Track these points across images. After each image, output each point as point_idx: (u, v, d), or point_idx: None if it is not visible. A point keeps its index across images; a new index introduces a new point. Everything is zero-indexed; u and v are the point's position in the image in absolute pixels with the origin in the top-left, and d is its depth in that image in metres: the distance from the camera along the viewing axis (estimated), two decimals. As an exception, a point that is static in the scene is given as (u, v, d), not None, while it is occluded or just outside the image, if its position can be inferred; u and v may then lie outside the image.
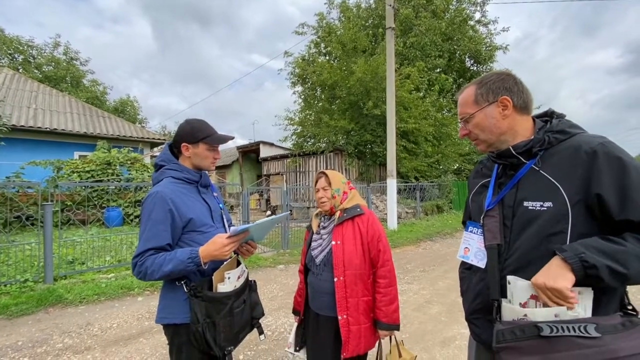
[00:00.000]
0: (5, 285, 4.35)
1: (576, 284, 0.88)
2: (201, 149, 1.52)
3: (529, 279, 0.95)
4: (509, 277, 1.00)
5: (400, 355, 1.74)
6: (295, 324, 1.94)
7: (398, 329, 1.72)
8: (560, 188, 0.97)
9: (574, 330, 0.84)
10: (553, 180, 0.99)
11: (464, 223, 1.33)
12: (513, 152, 1.08)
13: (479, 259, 1.14)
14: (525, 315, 0.93)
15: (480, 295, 1.14)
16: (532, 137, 1.07)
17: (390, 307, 1.68)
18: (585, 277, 0.87)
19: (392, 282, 1.71)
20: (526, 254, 1.01)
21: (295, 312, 1.95)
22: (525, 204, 1.03)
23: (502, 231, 1.08)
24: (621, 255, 0.86)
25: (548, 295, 0.89)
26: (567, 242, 0.95)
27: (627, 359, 0.81)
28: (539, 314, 0.91)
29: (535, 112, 1.19)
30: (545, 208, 0.98)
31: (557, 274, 0.89)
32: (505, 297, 1.02)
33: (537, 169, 1.04)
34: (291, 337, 1.91)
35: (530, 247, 1.00)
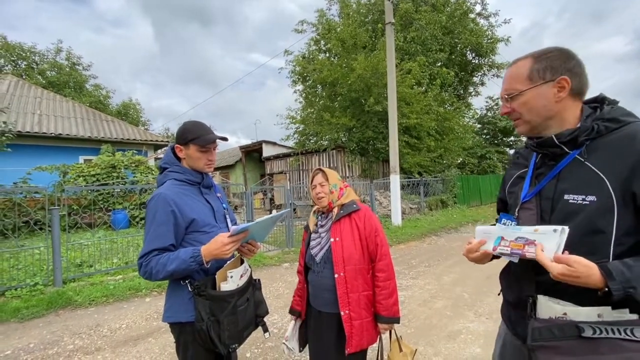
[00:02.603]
0: (16, 289, 4.44)
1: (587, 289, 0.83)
2: (192, 150, 1.53)
3: None
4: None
5: (400, 350, 1.76)
6: (292, 322, 1.96)
7: (398, 322, 1.74)
8: (606, 180, 0.88)
9: (619, 333, 0.78)
10: (598, 172, 0.90)
11: (498, 212, 1.26)
12: (556, 141, 0.97)
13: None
14: (565, 313, 0.87)
15: (514, 290, 1.10)
16: (579, 125, 0.97)
17: (389, 300, 1.70)
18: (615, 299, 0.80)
19: (391, 275, 1.74)
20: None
21: (292, 311, 1.96)
22: (566, 197, 0.94)
23: (539, 224, 0.99)
24: None
25: (543, 263, 0.85)
26: (611, 243, 0.87)
27: None
28: (581, 313, 0.85)
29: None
30: (588, 202, 0.90)
31: (581, 282, 0.81)
32: (541, 293, 0.96)
33: (583, 160, 0.94)
34: (289, 331, 1.93)
35: (568, 243, 0.88)
